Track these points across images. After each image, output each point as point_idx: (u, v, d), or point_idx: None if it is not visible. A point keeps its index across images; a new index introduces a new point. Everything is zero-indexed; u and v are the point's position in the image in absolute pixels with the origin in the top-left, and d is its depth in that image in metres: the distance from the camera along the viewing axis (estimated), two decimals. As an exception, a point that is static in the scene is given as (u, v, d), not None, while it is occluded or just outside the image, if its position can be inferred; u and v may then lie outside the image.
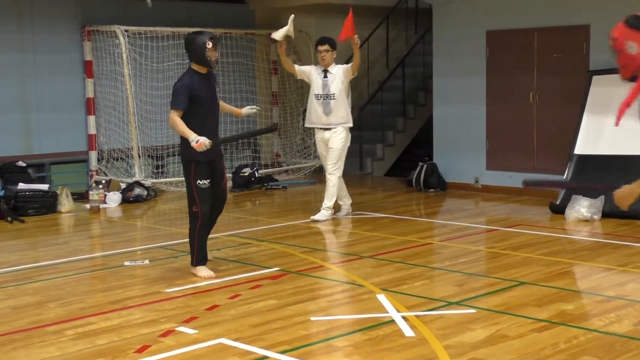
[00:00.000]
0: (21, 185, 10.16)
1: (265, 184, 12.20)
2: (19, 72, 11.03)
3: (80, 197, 10.99)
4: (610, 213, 9.08)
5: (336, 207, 9.40)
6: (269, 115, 13.39)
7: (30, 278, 6.80)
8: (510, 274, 6.54)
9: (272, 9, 13.61)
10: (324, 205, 9.15)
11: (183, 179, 7.00)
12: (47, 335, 5.21)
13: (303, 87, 9.83)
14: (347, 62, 9.94)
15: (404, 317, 5.39)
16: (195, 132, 6.44)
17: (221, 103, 7.15)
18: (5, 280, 6.73)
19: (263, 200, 11.07)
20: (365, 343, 4.91)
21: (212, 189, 6.63)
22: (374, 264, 7.13)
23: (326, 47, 9.01)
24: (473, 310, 5.55)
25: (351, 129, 14.19)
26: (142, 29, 11.54)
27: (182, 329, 5.24)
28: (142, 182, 11.23)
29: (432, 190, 11.55)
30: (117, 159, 11.66)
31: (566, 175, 9.74)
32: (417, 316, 5.43)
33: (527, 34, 10.82)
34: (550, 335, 4.98)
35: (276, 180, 12.54)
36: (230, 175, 11.89)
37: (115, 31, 11.30)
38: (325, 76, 9.05)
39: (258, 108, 8.22)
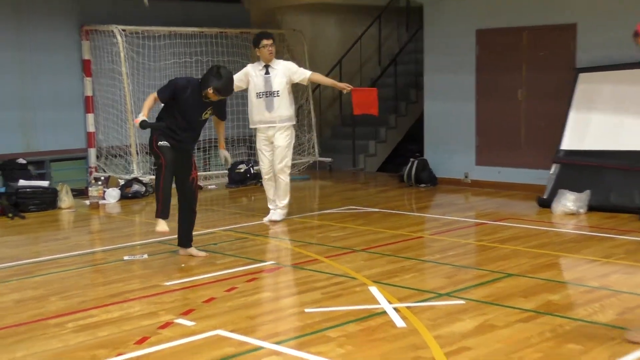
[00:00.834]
0: (22, 182, 10.16)
1: (261, 180, 12.20)
2: (18, 71, 11.03)
3: (80, 193, 10.97)
4: (595, 207, 9.14)
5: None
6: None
7: (32, 272, 6.82)
8: (498, 266, 6.58)
9: (266, 9, 13.60)
10: (280, 205, 8.87)
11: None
12: (49, 327, 5.23)
13: (297, 85, 9.79)
14: (327, 75, 9.77)
15: (395, 309, 5.42)
16: (167, 131, 6.67)
17: (220, 126, 7.36)
18: (7, 274, 6.75)
19: (258, 195, 11.07)
20: (358, 333, 4.94)
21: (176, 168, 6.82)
22: (366, 257, 7.15)
23: (269, 41, 8.60)
24: (462, 302, 5.59)
25: (345, 125, 14.34)
26: (139, 28, 11.54)
27: (180, 321, 5.26)
28: (140, 178, 11.22)
29: (423, 185, 11.57)
30: (116, 156, 11.68)
31: (553, 170, 9.78)
32: (408, 307, 5.46)
33: (516, 33, 10.84)
34: (536, 325, 5.02)
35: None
36: (227, 171, 11.93)
37: (113, 30, 11.29)
38: (267, 72, 8.66)
39: (229, 163, 8.33)
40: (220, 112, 7.16)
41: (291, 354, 4.60)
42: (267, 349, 4.68)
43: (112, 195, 10.76)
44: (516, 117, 10.99)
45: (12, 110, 11.00)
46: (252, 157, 12.80)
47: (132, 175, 11.28)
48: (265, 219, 8.90)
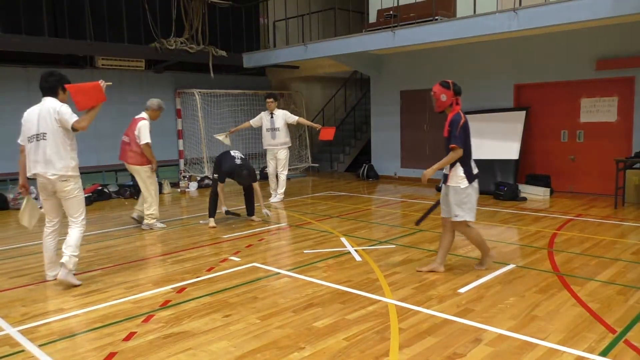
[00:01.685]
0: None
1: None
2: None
3: (175, 185, 10.89)
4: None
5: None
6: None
7: (148, 230, 6.78)
8: (413, 225, 6.56)
9: (280, 79, 13.56)
10: (279, 192, 8.87)
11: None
12: (157, 262, 5.21)
13: (300, 125, 9.87)
14: (314, 117, 9.72)
15: (355, 250, 5.42)
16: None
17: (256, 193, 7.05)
18: (134, 231, 6.72)
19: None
20: (334, 264, 4.94)
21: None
22: (338, 220, 7.13)
23: (271, 99, 8.72)
24: (393, 246, 5.59)
25: (325, 144, 14.29)
26: (208, 90, 11.42)
27: (232, 257, 5.25)
28: (209, 176, 11.18)
29: (370, 179, 11.56)
30: (195, 163, 11.59)
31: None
32: (363, 249, 5.47)
33: (424, 92, 10.83)
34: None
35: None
36: (259, 171, 11.88)
37: (193, 92, 11.20)
38: (272, 117, 8.69)
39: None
40: (240, 183, 6.90)
41: (296, 276, 4.59)
42: (282, 273, 4.67)
43: (193, 186, 10.69)
44: (424, 140, 10.98)
45: (136, 137, 10.93)
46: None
47: (204, 175, 11.20)
48: (270, 200, 8.84)
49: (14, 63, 9.35)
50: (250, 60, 11.69)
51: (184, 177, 11.00)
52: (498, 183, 8.70)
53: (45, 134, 4.30)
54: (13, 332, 3.50)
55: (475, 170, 4.54)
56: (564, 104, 9.02)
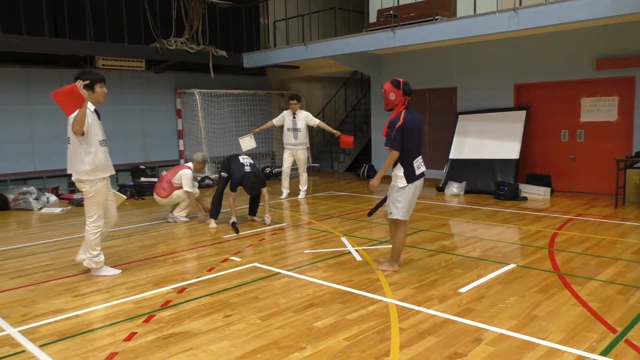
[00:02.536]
0: (142, 179, 10.08)
1: (278, 177, 12.10)
2: (141, 115, 10.94)
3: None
4: (469, 190, 9.15)
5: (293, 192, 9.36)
6: (280, 138, 13.36)
7: (148, 230, 6.77)
8: (414, 225, 6.56)
9: (280, 79, 13.56)
10: (302, 189, 9.10)
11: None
12: (157, 262, 5.20)
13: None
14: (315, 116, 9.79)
15: (356, 250, 5.42)
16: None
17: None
18: (134, 231, 6.71)
19: (277, 186, 11.02)
20: (334, 264, 4.94)
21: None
22: (339, 220, 7.13)
23: (295, 101, 8.93)
24: (394, 245, 5.59)
25: (326, 145, 14.28)
26: (208, 90, 11.44)
27: (233, 258, 5.25)
28: (210, 176, 11.18)
29: (371, 179, 11.47)
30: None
31: (445, 169, 9.78)
32: (363, 249, 5.47)
33: (423, 92, 10.86)
34: (436, 259, 5.04)
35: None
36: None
37: (194, 92, 11.22)
38: (294, 117, 8.91)
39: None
40: (248, 192, 6.95)
41: (296, 276, 4.59)
42: (283, 273, 4.67)
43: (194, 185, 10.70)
44: (424, 140, 10.96)
45: (138, 137, 10.94)
46: (274, 163, 12.77)
47: (205, 174, 11.20)
48: (282, 197, 9.04)
49: (14, 63, 9.35)
50: (251, 60, 11.69)
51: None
52: (498, 183, 8.70)
53: (69, 137, 4.49)
54: (14, 332, 3.50)
55: (419, 170, 4.52)
56: (564, 103, 9.02)
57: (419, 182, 4.55)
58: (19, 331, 3.51)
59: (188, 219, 7.07)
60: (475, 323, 3.46)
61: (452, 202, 8.44)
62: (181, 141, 11.60)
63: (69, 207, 8.65)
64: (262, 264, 4.98)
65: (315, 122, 9.02)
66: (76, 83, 4.30)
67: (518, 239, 5.87)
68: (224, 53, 11.33)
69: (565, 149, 9.11)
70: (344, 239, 5.90)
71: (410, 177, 4.46)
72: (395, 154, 4.43)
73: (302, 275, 4.57)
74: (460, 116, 10.07)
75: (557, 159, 9.19)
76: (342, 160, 13.94)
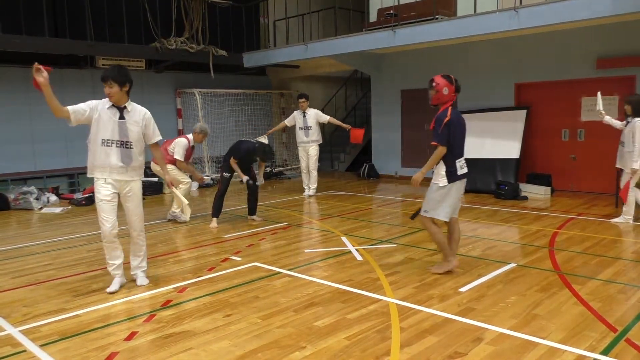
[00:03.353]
0: (143, 178, 10.09)
1: (278, 176, 12.19)
2: (140, 115, 10.98)
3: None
4: (469, 190, 9.12)
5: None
6: (281, 138, 13.40)
7: (149, 230, 6.76)
8: (414, 224, 6.55)
9: (281, 78, 13.57)
10: (312, 187, 9.25)
11: (233, 174, 6.99)
12: (157, 262, 5.20)
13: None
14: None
15: (356, 249, 5.42)
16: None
17: (262, 166, 7.32)
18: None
19: (277, 185, 11.05)
20: (335, 264, 4.94)
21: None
22: (339, 220, 7.13)
23: (303, 99, 9.11)
24: (394, 245, 5.59)
25: (326, 144, 14.28)
26: (208, 90, 11.45)
27: (233, 257, 5.25)
28: (209, 175, 11.17)
29: (371, 178, 11.57)
30: (196, 163, 11.59)
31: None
32: (363, 248, 5.47)
33: (423, 91, 10.78)
34: (437, 258, 5.03)
35: (284, 174, 12.51)
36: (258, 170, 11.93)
37: (194, 92, 11.22)
38: (304, 116, 9.10)
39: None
40: (264, 159, 7.08)
41: (297, 276, 4.59)
42: (283, 273, 4.67)
43: (194, 185, 10.65)
44: (424, 139, 10.96)
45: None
46: (273, 163, 12.79)
47: (205, 174, 11.20)
48: (304, 194, 9.28)
49: (14, 63, 9.35)
50: (251, 59, 11.69)
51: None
52: (499, 182, 8.70)
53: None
54: (14, 332, 3.50)
55: (461, 171, 4.42)
56: (564, 103, 9.02)
57: (461, 183, 4.42)
58: (20, 331, 3.51)
59: (187, 219, 6.97)
60: (475, 322, 3.46)
61: (452, 202, 8.45)
62: (181, 141, 11.62)
63: (70, 207, 8.64)
64: (263, 263, 4.98)
65: (326, 118, 9.25)
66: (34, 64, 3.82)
67: (518, 238, 5.87)
68: (224, 53, 11.33)
69: (565, 149, 9.11)
70: (344, 239, 5.90)
71: (452, 176, 4.33)
72: (442, 150, 4.31)
73: (302, 275, 4.57)
74: (462, 115, 10.04)
75: (558, 158, 9.19)
76: (343, 160, 13.94)
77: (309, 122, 9.09)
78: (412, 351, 3.06)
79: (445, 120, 4.34)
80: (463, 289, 4.10)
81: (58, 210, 8.34)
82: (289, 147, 13.38)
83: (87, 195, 8.88)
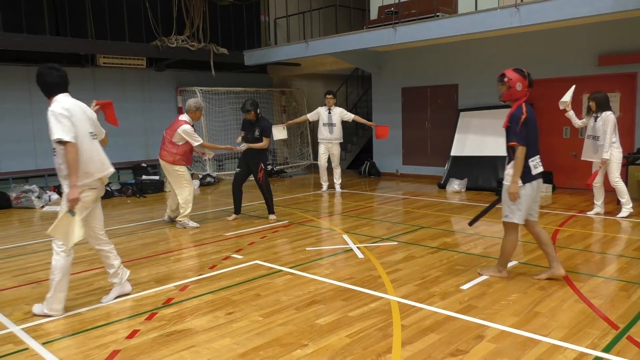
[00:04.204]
0: (144, 177, 10.09)
1: (279, 174, 12.18)
2: (143, 114, 10.96)
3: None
4: (470, 187, 9.15)
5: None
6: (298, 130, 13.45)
7: (151, 228, 6.78)
8: (415, 222, 6.59)
9: (282, 76, 13.57)
10: (337, 183, 9.38)
11: (234, 171, 7.01)
12: (160, 259, 5.21)
13: (302, 123, 9.93)
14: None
15: (357, 247, 5.42)
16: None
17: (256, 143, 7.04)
18: (137, 229, 6.71)
19: (278, 183, 11.04)
20: (337, 262, 4.94)
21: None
22: (340, 218, 7.14)
23: (331, 96, 9.16)
24: (395, 243, 5.59)
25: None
26: (209, 88, 11.44)
27: (234, 255, 5.25)
28: (211, 174, 11.18)
29: (372, 176, 11.57)
30: (197, 161, 11.60)
31: (446, 167, 9.79)
32: (365, 246, 5.46)
33: (424, 89, 10.84)
34: (438, 256, 5.03)
35: (285, 172, 12.51)
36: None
37: (195, 90, 11.21)
38: (330, 112, 9.12)
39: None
40: (261, 132, 6.95)
41: (298, 274, 4.59)
42: (285, 271, 4.67)
43: (195, 183, 10.66)
44: (425, 137, 10.98)
45: (139, 135, 10.96)
46: (274, 161, 12.78)
47: (207, 172, 11.20)
48: (322, 190, 9.45)
49: (16, 62, 9.35)
50: (252, 57, 11.68)
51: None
52: (500, 179, 8.66)
53: (96, 134, 3.95)
54: (17, 330, 3.51)
55: (536, 170, 4.10)
56: (566, 100, 9.00)
57: (537, 183, 4.12)
58: (22, 329, 3.52)
59: (198, 225, 6.74)
60: (477, 320, 3.45)
61: (453, 199, 8.43)
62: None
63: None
64: (264, 261, 4.98)
65: (350, 116, 9.26)
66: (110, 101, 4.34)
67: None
68: (224, 51, 11.32)
69: (567, 146, 9.09)
70: (345, 237, 5.90)
71: (526, 176, 4.05)
72: (523, 149, 4.02)
73: (304, 273, 4.57)
74: (461, 113, 10.05)
75: (559, 155, 9.17)
76: (344, 158, 13.92)
77: (333, 119, 9.12)
78: (413, 349, 3.06)
79: (522, 118, 4.08)
80: (464, 287, 4.10)
81: (59, 208, 8.34)
82: (290, 145, 13.38)
83: (88, 193, 8.89)
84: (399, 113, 11.34)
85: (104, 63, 10.04)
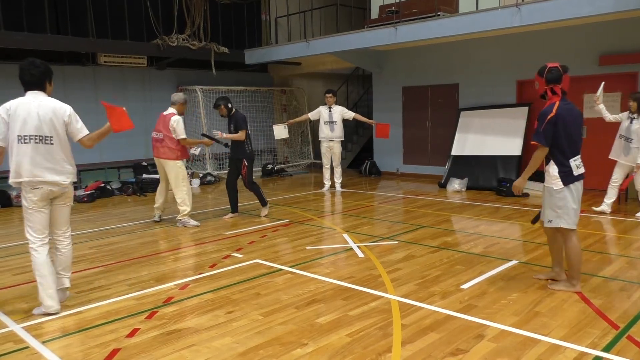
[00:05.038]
0: (144, 175, 10.08)
1: (280, 173, 12.17)
2: (143, 113, 10.91)
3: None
4: (470, 187, 9.14)
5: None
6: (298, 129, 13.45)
7: (151, 227, 6.78)
8: (416, 221, 6.58)
9: (282, 75, 13.55)
10: (337, 182, 9.37)
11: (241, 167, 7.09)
12: (159, 258, 5.20)
13: (301, 122, 9.94)
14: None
15: (358, 246, 5.42)
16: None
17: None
18: (134, 228, 6.71)
19: (279, 182, 11.04)
20: (337, 260, 4.94)
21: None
22: (341, 217, 7.14)
23: (330, 95, 9.13)
24: (396, 242, 5.58)
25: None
26: (210, 87, 11.43)
27: (234, 254, 5.25)
28: (211, 172, 11.17)
29: (372, 175, 11.55)
30: (197, 160, 11.59)
31: (447, 166, 9.78)
32: (365, 245, 5.46)
33: (425, 88, 10.82)
34: (438, 255, 5.02)
35: (286, 171, 12.50)
36: (260, 168, 11.89)
37: (195, 88, 11.21)
38: (330, 111, 9.11)
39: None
40: (235, 126, 7.03)
41: (298, 273, 4.58)
42: (285, 270, 4.67)
43: (196, 182, 10.66)
44: (426, 137, 10.97)
45: (140, 134, 10.88)
46: (274, 160, 12.78)
47: (207, 171, 11.20)
48: (324, 189, 9.42)
49: (16, 60, 9.34)
50: (252, 56, 11.67)
51: (187, 174, 11.01)
52: (500, 179, 8.68)
53: (52, 137, 3.67)
54: (17, 328, 3.51)
55: (578, 171, 3.81)
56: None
57: (579, 184, 3.83)
58: (22, 327, 3.52)
59: (198, 223, 6.72)
60: (477, 319, 3.45)
61: (454, 199, 8.42)
62: (183, 137, 11.61)
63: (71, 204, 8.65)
64: (264, 260, 4.98)
65: (351, 115, 9.23)
66: (123, 108, 3.99)
67: (520, 235, 5.86)
68: (225, 50, 11.32)
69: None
70: (345, 236, 5.90)
71: (567, 178, 3.76)
72: (543, 151, 3.78)
73: (304, 272, 4.57)
74: (462, 112, 10.04)
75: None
76: (344, 157, 13.90)
77: (334, 117, 9.12)
78: (413, 348, 3.06)
79: (549, 117, 3.73)
80: (464, 286, 4.10)
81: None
82: (290, 144, 13.37)
83: (89, 192, 8.91)
84: (399, 112, 11.33)
85: (104, 62, 10.04)
